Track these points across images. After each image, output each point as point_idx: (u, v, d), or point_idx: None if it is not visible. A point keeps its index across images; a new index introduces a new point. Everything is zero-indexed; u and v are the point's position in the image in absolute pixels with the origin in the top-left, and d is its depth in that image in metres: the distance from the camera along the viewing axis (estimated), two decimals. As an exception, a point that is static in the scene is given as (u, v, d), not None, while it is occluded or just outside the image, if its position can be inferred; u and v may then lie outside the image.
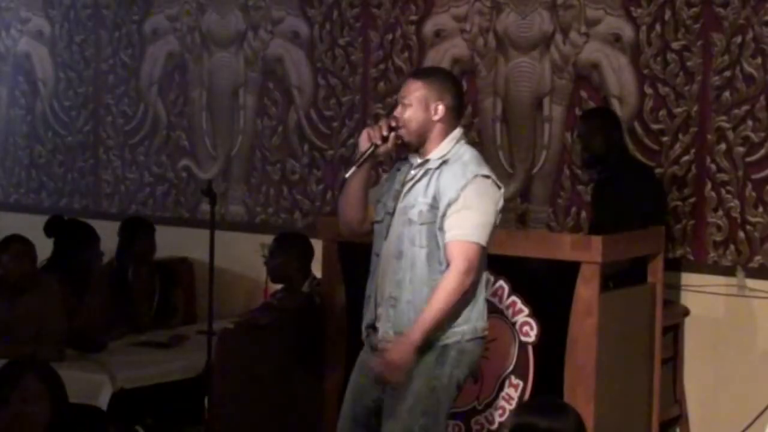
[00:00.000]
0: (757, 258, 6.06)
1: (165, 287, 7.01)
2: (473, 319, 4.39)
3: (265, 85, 7.45)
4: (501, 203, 4.42)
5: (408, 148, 4.45)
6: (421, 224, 4.35)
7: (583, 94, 6.44)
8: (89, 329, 6.25)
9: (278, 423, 5.81)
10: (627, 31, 6.33)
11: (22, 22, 8.37)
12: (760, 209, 6.05)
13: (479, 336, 4.42)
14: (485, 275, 4.48)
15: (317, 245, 5.93)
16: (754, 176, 6.06)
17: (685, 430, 6.15)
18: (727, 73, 6.09)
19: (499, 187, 4.41)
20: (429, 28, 6.89)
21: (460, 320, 4.36)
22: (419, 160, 4.43)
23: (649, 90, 6.28)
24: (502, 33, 6.67)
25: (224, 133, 7.63)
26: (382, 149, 4.40)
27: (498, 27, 6.68)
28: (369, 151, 4.37)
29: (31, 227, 6.76)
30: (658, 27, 6.25)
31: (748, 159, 6.07)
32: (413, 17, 6.92)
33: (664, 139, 6.26)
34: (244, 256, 7.20)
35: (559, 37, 6.51)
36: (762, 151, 6.04)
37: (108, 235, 6.70)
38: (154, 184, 7.88)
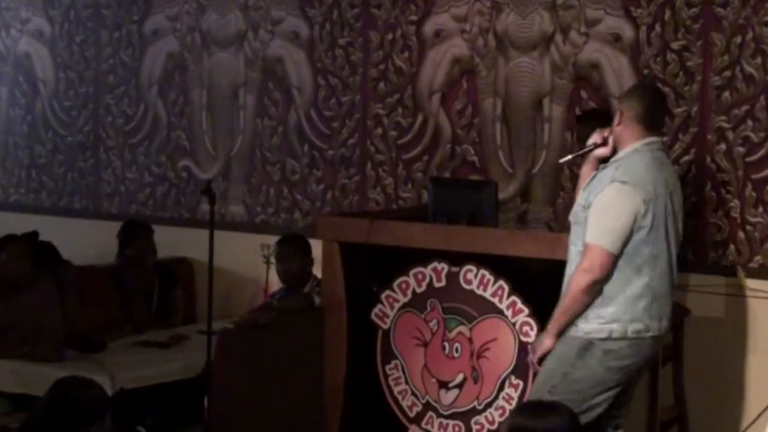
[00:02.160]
0: (757, 258, 6.06)
1: (164, 287, 7.02)
2: (624, 320, 4.67)
3: (265, 85, 7.45)
4: (642, 207, 4.64)
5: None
6: (575, 224, 4.75)
7: (583, 94, 6.44)
8: (89, 330, 6.25)
9: (278, 423, 5.81)
10: (627, 31, 6.33)
11: (22, 22, 8.37)
12: (760, 209, 6.05)
13: (629, 337, 4.69)
14: (643, 277, 4.69)
15: (317, 245, 5.93)
16: (754, 176, 6.06)
17: (685, 430, 6.15)
18: (727, 73, 6.09)
19: (639, 194, 4.64)
20: (429, 28, 6.89)
21: (606, 317, 4.68)
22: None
23: (649, 90, 6.27)
24: (502, 33, 6.67)
25: (224, 133, 7.63)
26: (597, 151, 4.86)
27: (498, 27, 6.68)
28: (591, 148, 4.87)
29: (31, 227, 6.77)
30: (658, 27, 6.25)
31: (748, 159, 6.07)
32: (413, 17, 6.92)
33: (664, 139, 6.26)
34: (244, 256, 7.20)
35: (559, 37, 6.51)
36: (762, 151, 6.04)
37: (108, 235, 6.70)
38: (154, 184, 7.88)
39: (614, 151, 4.85)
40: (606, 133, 4.88)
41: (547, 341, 4.79)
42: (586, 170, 4.94)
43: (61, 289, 6.36)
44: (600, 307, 4.70)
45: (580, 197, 4.80)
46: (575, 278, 4.69)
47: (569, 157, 4.99)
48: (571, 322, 4.74)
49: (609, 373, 4.75)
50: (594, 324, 4.71)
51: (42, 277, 6.27)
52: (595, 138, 4.91)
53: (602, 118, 6.10)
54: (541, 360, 4.83)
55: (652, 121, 4.83)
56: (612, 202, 4.63)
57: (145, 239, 6.96)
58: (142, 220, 7.13)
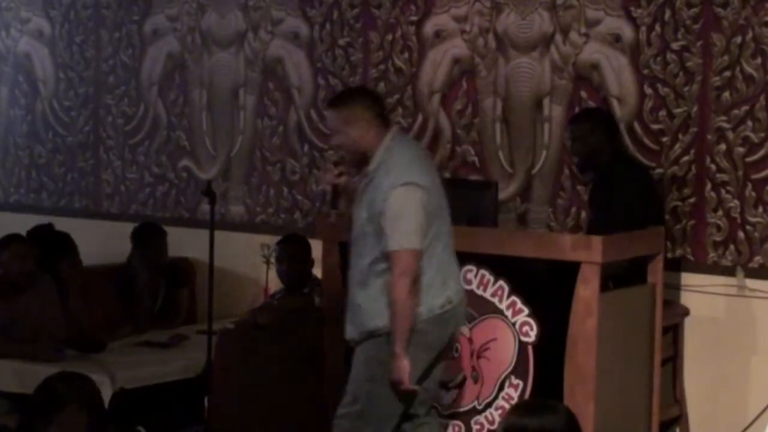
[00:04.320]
0: (757, 258, 6.06)
1: (170, 288, 7.02)
2: (427, 301, 4.71)
3: (265, 85, 7.45)
4: (430, 201, 4.70)
5: (359, 168, 4.83)
6: (359, 238, 4.79)
7: (583, 94, 6.44)
8: (89, 330, 6.25)
9: (278, 423, 5.81)
10: (627, 32, 6.33)
11: (22, 22, 8.37)
12: (760, 209, 6.05)
13: (437, 313, 4.74)
14: (433, 256, 4.74)
15: (317, 245, 5.93)
16: (754, 176, 6.06)
17: (685, 430, 6.15)
18: (727, 73, 6.09)
19: (420, 186, 4.67)
20: (429, 28, 6.89)
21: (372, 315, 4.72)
22: (365, 172, 4.82)
23: (649, 90, 6.28)
24: (502, 33, 6.67)
25: (224, 133, 7.63)
26: (342, 183, 4.90)
27: (498, 27, 6.68)
28: (334, 192, 4.96)
29: (31, 227, 6.76)
30: (658, 27, 6.25)
31: (748, 159, 6.07)
32: (413, 17, 6.92)
33: (664, 139, 6.26)
34: (244, 256, 7.21)
35: (559, 37, 6.51)
36: (762, 151, 6.04)
37: (108, 235, 6.71)
38: (154, 184, 7.88)
39: (363, 158, 4.83)
40: (332, 173, 4.91)
41: (403, 362, 4.67)
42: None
43: (63, 285, 6.36)
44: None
45: (359, 209, 4.78)
46: (396, 287, 4.64)
47: (333, 213, 5.02)
48: (409, 332, 4.68)
49: (423, 352, 4.75)
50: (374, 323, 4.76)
51: (43, 276, 6.27)
52: (329, 183, 4.94)
53: (594, 120, 6.11)
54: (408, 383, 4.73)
55: (383, 115, 4.88)
56: (402, 207, 4.66)
57: (162, 243, 6.96)
58: (157, 225, 7.08)
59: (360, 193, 4.82)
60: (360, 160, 4.81)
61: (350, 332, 4.88)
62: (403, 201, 4.66)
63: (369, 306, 4.76)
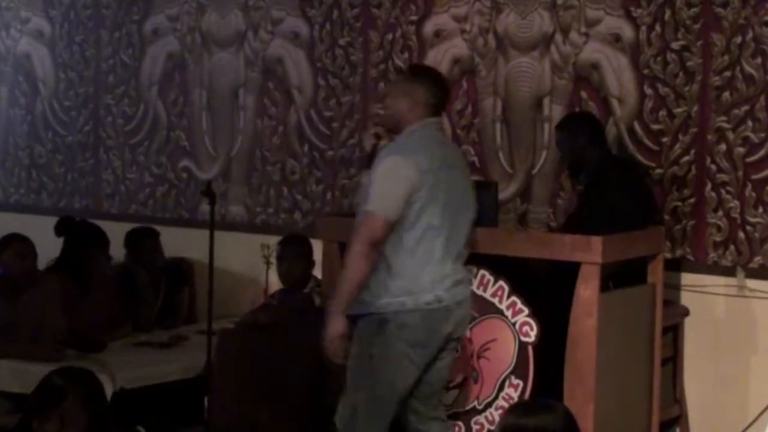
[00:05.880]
0: (757, 258, 6.06)
1: (169, 288, 7.02)
2: (413, 292, 4.69)
3: (265, 85, 7.45)
4: (421, 181, 4.69)
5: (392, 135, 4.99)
6: (360, 204, 4.85)
7: (583, 94, 6.44)
8: (89, 329, 6.25)
9: (278, 423, 5.81)
10: (627, 32, 6.33)
11: (22, 22, 8.37)
12: (760, 209, 6.05)
13: (423, 309, 4.70)
14: (425, 248, 4.73)
15: (317, 245, 5.93)
16: (754, 176, 6.06)
17: (685, 430, 6.15)
18: (727, 73, 6.09)
19: (414, 162, 4.71)
20: (429, 28, 6.89)
21: (396, 291, 4.69)
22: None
23: (649, 90, 6.28)
24: (502, 33, 6.67)
25: (224, 133, 7.63)
26: (382, 144, 4.92)
27: (498, 27, 6.68)
28: (373, 151, 4.93)
29: (31, 227, 6.77)
30: (658, 27, 6.25)
31: (748, 159, 6.07)
32: (413, 17, 6.93)
33: (664, 139, 6.26)
34: (244, 256, 7.20)
35: (559, 37, 6.51)
36: (762, 152, 6.04)
37: (108, 235, 6.69)
38: (154, 184, 7.88)
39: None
40: (374, 131, 5.05)
41: (336, 323, 4.72)
42: None
43: (87, 277, 6.39)
44: (389, 282, 4.71)
45: (366, 179, 4.88)
46: (352, 246, 4.70)
47: (366, 173, 4.98)
48: (353, 295, 4.72)
49: (406, 347, 4.72)
50: (385, 299, 4.71)
51: (44, 276, 6.27)
52: (369, 142, 5.04)
53: (577, 125, 6.08)
54: (339, 346, 4.75)
55: (436, 106, 4.92)
56: (388, 172, 4.71)
57: (155, 244, 6.97)
58: (146, 227, 7.09)
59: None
60: (392, 129, 4.92)
61: (350, 307, 4.85)
62: (389, 168, 4.71)
63: (370, 277, 4.75)
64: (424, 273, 4.74)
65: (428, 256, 4.75)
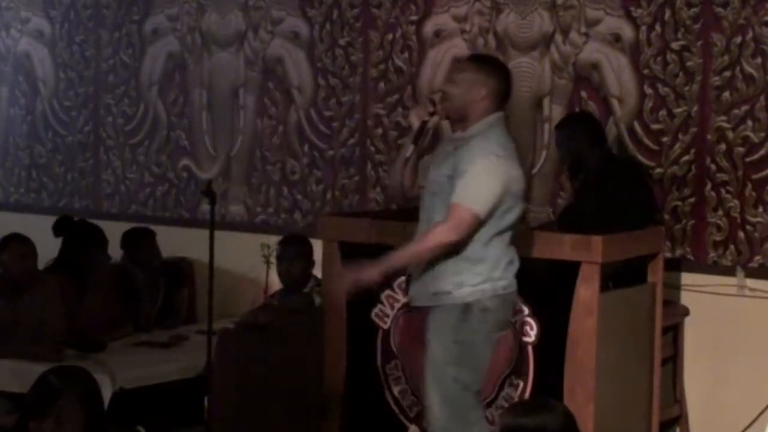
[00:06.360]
0: (757, 258, 6.06)
1: (169, 288, 7.02)
2: (493, 278, 4.77)
3: (265, 85, 7.45)
4: (516, 185, 4.78)
5: (451, 122, 4.94)
6: (434, 194, 4.82)
7: (583, 94, 6.44)
8: (89, 329, 6.25)
9: (278, 423, 5.81)
10: (627, 31, 6.33)
11: (22, 22, 8.37)
12: (760, 209, 6.05)
13: (499, 294, 4.79)
14: (505, 240, 4.81)
15: (317, 245, 5.93)
16: (754, 176, 6.06)
17: (685, 430, 6.15)
18: (727, 73, 6.09)
19: (511, 168, 4.79)
20: (429, 28, 6.89)
21: (477, 281, 4.75)
22: (455, 136, 4.91)
23: (649, 90, 6.28)
24: (502, 33, 6.67)
25: (224, 133, 7.63)
26: (431, 123, 4.95)
27: (498, 27, 6.68)
28: (421, 128, 4.93)
29: (31, 227, 6.77)
30: (658, 27, 6.25)
31: (748, 159, 6.07)
32: (413, 17, 6.93)
33: (664, 139, 6.26)
34: (244, 256, 7.20)
35: (559, 37, 6.51)
36: (762, 151, 6.04)
37: (108, 235, 6.69)
38: (154, 184, 7.88)
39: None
40: (425, 108, 4.99)
41: (376, 272, 4.79)
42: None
43: (86, 277, 6.39)
44: (469, 271, 4.76)
45: (442, 168, 4.82)
46: (438, 232, 4.72)
47: (411, 147, 4.97)
48: (403, 268, 4.88)
49: (489, 328, 4.81)
50: (468, 288, 4.76)
51: (44, 276, 6.27)
52: (420, 118, 4.97)
53: (574, 126, 6.08)
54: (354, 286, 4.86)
55: (504, 98, 4.95)
56: (488, 170, 4.72)
57: (151, 244, 6.97)
58: (143, 228, 7.09)
59: (445, 154, 4.88)
60: (455, 117, 4.90)
61: (417, 296, 4.89)
62: (489, 168, 4.72)
63: (440, 267, 4.78)
64: (499, 261, 4.80)
65: (502, 244, 4.83)
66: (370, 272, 4.79)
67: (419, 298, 4.89)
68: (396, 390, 5.56)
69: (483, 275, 4.77)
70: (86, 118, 8.15)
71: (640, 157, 6.29)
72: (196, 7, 7.69)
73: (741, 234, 6.09)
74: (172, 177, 7.81)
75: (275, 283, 6.61)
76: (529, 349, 5.28)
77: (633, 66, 6.31)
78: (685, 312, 6.12)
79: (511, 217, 4.81)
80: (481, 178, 4.71)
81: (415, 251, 4.80)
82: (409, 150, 4.97)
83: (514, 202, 4.80)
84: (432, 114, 4.94)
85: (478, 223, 4.72)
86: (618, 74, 6.35)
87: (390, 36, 7.00)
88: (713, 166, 6.14)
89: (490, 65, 5.00)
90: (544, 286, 5.28)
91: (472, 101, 4.84)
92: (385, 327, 5.55)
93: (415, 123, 4.97)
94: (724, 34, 6.08)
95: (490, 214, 4.73)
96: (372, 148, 7.07)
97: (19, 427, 4.04)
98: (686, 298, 6.16)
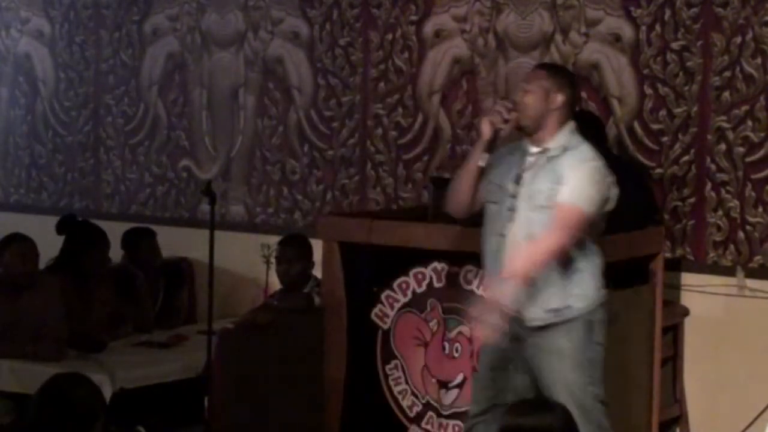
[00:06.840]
0: (757, 258, 6.06)
1: (169, 288, 7.02)
2: (597, 288, 4.75)
3: (265, 85, 7.45)
4: (611, 192, 4.76)
5: (523, 133, 4.82)
6: (545, 208, 4.69)
7: (583, 94, 6.44)
8: (89, 329, 6.25)
9: (278, 423, 5.81)
10: (627, 32, 6.33)
11: (22, 22, 8.37)
12: (760, 209, 6.05)
13: (605, 301, 4.78)
14: (597, 248, 4.79)
15: (317, 245, 5.92)
16: (754, 176, 6.06)
17: (685, 430, 6.15)
18: (727, 73, 6.09)
19: (610, 177, 4.78)
20: (429, 28, 6.89)
21: (591, 292, 4.73)
22: (536, 149, 4.79)
23: (649, 90, 6.28)
24: (502, 33, 6.67)
25: (224, 133, 7.63)
26: (503, 132, 4.83)
27: (498, 27, 6.68)
28: (495, 136, 4.80)
29: (31, 227, 6.76)
30: (658, 27, 6.25)
31: (748, 159, 6.07)
32: (413, 17, 6.92)
33: (664, 139, 6.26)
34: (244, 256, 7.20)
35: (559, 37, 6.51)
36: (762, 151, 6.04)
37: (108, 234, 6.69)
38: (154, 184, 7.88)
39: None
40: (501, 116, 4.80)
41: (507, 290, 4.62)
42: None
43: (86, 277, 6.39)
44: (582, 283, 4.72)
45: (548, 182, 4.71)
46: (550, 238, 4.61)
47: (487, 156, 4.83)
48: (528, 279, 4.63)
49: (605, 339, 4.80)
50: (584, 302, 4.71)
51: (44, 276, 6.27)
52: (495, 125, 4.81)
53: (584, 122, 6.08)
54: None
55: (572, 111, 4.93)
56: (594, 176, 4.71)
57: (152, 244, 6.97)
58: (143, 228, 7.10)
59: (534, 167, 4.76)
60: (527, 127, 4.79)
61: (529, 315, 4.71)
62: (595, 172, 4.70)
63: (552, 281, 4.68)
64: (599, 269, 4.79)
65: (600, 255, 4.80)
66: (504, 290, 4.60)
67: (533, 317, 4.70)
68: (396, 390, 5.55)
69: (593, 286, 4.75)
70: (86, 118, 8.14)
71: (640, 157, 6.29)
72: (196, 7, 7.69)
73: (741, 234, 6.09)
74: (172, 177, 7.81)
75: (275, 283, 6.61)
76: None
77: (633, 66, 6.31)
78: (685, 312, 6.12)
79: (603, 225, 4.81)
80: (589, 182, 4.68)
81: (536, 261, 4.60)
82: (484, 159, 4.83)
83: (605, 208, 4.79)
84: (506, 122, 4.81)
85: (587, 226, 4.67)
86: (618, 74, 6.35)
87: (390, 36, 7.00)
88: (713, 166, 6.14)
89: (562, 73, 4.97)
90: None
91: (549, 110, 4.78)
92: (385, 327, 5.55)
93: (488, 130, 4.82)
94: (724, 34, 6.08)
95: (594, 221, 4.71)
96: (372, 148, 7.07)
97: (19, 427, 4.04)
98: (686, 298, 6.16)
